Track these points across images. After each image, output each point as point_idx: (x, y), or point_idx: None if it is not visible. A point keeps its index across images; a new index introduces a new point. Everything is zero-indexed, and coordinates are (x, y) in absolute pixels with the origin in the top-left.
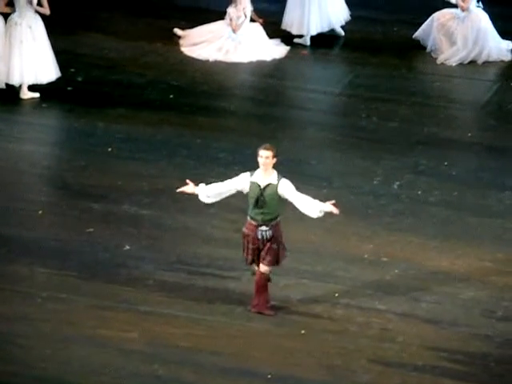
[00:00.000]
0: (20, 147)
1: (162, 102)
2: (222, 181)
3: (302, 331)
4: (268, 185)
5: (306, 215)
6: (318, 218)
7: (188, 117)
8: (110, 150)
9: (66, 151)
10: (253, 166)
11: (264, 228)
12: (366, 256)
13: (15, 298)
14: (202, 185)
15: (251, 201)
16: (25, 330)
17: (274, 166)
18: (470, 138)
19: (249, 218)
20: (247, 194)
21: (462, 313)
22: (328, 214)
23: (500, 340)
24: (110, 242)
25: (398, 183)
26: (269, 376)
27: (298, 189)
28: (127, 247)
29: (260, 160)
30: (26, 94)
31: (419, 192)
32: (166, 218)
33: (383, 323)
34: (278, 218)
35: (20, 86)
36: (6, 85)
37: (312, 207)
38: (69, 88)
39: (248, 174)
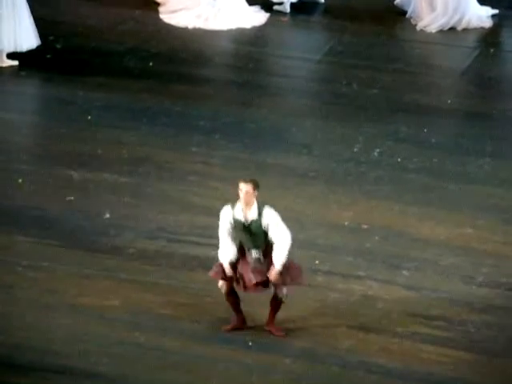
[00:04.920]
0: None
1: (141, 70)
2: (202, 148)
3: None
4: (252, 221)
5: (287, 183)
6: (299, 186)
7: (168, 84)
8: (89, 118)
9: (45, 119)
10: (232, 133)
11: (255, 251)
12: (346, 223)
13: None
14: (223, 259)
15: (238, 234)
16: (5, 299)
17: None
18: (449, 105)
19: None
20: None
21: (442, 279)
22: (309, 182)
23: (480, 306)
24: (91, 211)
25: (378, 150)
26: (250, 343)
27: (277, 157)
28: (107, 215)
29: (240, 194)
30: (5, 62)
31: (399, 159)
32: (146, 185)
33: (363, 290)
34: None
35: None
36: None
37: (275, 256)
38: (48, 56)
39: (229, 208)
